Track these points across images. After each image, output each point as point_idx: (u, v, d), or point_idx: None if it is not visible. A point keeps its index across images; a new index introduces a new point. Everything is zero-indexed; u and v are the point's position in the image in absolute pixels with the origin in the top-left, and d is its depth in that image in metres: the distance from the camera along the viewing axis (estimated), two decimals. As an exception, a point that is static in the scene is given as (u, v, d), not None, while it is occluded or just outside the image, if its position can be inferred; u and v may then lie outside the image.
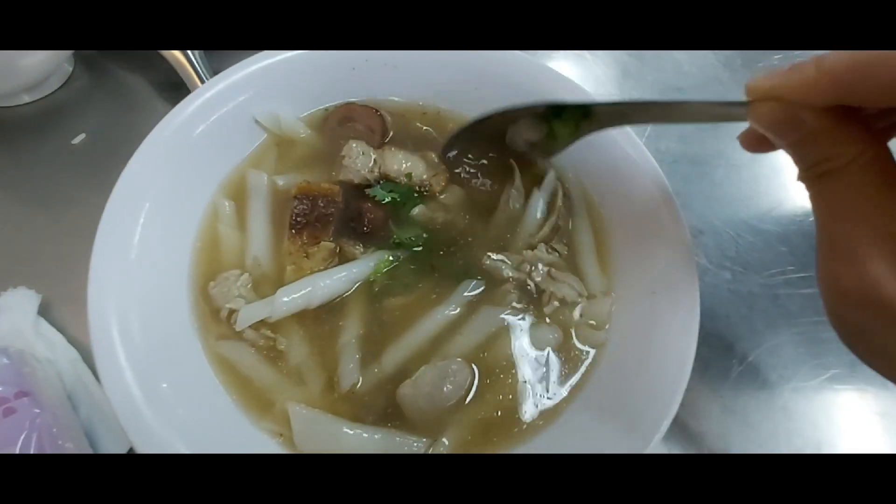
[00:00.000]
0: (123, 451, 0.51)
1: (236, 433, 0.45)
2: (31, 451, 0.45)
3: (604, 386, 0.49)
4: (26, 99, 0.75)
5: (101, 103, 0.78)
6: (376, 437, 0.45)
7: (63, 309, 0.60)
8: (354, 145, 0.56)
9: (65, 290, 0.61)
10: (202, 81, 0.68)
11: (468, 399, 0.48)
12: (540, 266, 0.53)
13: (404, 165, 0.56)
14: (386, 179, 0.56)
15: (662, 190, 0.53)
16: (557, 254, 0.54)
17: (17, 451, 0.44)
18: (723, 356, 0.64)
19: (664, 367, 0.46)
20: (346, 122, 0.59)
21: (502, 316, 0.51)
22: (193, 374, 0.46)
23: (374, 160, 0.56)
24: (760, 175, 0.79)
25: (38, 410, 0.47)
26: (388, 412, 0.46)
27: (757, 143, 0.42)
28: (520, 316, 0.52)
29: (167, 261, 0.49)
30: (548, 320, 0.52)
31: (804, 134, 0.36)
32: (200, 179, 0.54)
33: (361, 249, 0.52)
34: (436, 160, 0.58)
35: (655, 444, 0.43)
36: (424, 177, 0.57)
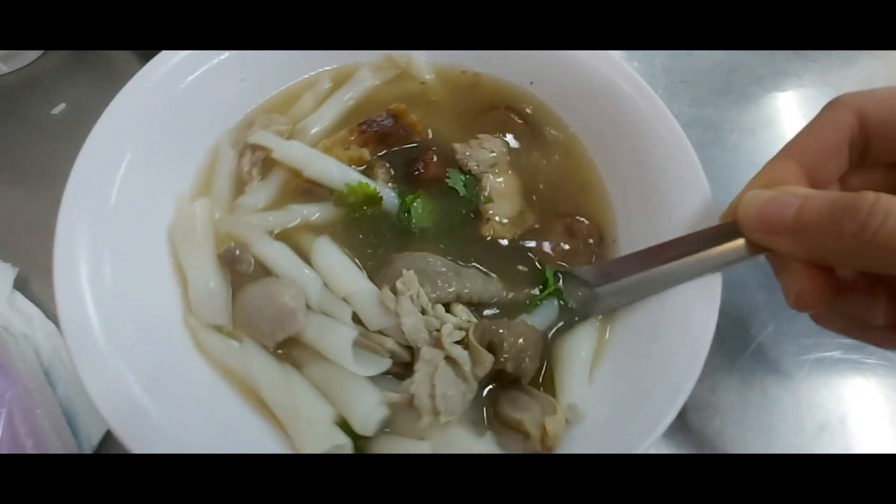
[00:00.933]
0: (102, 430, 0.48)
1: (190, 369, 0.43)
2: (0, 428, 0.41)
3: (621, 355, 0.46)
4: (4, 69, 0.72)
5: (82, 73, 0.74)
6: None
7: (41, 283, 0.57)
8: (492, 142, 0.54)
9: (43, 263, 0.57)
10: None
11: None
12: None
13: (495, 186, 0.53)
14: (468, 173, 0.53)
15: (685, 153, 0.49)
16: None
17: (-15, 427, 0.41)
18: (741, 327, 0.60)
19: (683, 338, 0.43)
20: (498, 123, 0.57)
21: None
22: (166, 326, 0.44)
23: (488, 159, 0.53)
24: (776, 139, 0.75)
25: (8, 385, 0.43)
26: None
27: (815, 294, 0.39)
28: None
29: (151, 209, 0.47)
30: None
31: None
32: (201, 130, 0.52)
33: (389, 181, 0.52)
34: (529, 217, 0.53)
35: (670, 419, 0.39)
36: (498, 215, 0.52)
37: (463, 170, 0.53)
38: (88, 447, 0.47)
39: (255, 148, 0.51)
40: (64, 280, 0.39)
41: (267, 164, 0.52)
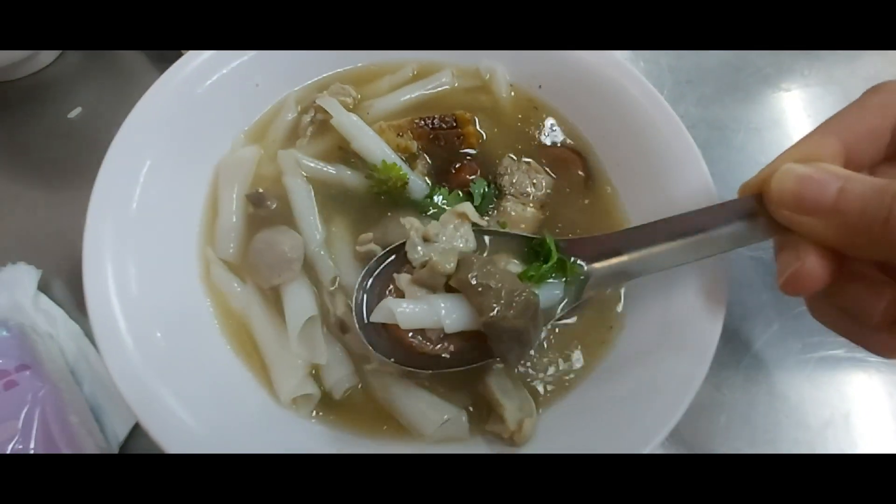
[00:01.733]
0: (129, 425, 0.50)
1: (236, 388, 0.44)
2: (35, 425, 0.43)
3: (627, 355, 0.47)
4: (19, 74, 0.73)
5: (97, 77, 0.75)
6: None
7: (63, 284, 0.59)
8: (540, 176, 0.55)
9: (65, 265, 0.59)
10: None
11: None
12: None
13: (514, 213, 0.53)
14: (496, 188, 0.54)
15: (688, 150, 0.50)
16: None
17: (20, 425, 0.43)
18: (746, 324, 0.61)
19: (690, 336, 0.44)
20: (560, 161, 0.57)
21: None
22: (194, 327, 0.45)
23: (526, 188, 0.54)
24: (782, 138, 0.76)
25: (40, 384, 0.45)
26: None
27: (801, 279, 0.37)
28: None
29: (173, 216, 0.48)
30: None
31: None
32: (213, 133, 0.53)
33: (424, 173, 0.54)
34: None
35: (677, 418, 0.41)
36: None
37: (494, 182, 0.54)
38: (115, 444, 0.49)
39: (318, 109, 0.55)
40: (93, 284, 0.40)
41: (323, 126, 0.55)
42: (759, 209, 0.39)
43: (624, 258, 0.44)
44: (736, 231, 0.41)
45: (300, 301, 0.46)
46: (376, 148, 0.53)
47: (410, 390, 0.45)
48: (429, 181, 0.54)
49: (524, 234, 0.49)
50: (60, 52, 0.75)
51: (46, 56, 0.74)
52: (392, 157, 0.53)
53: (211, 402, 0.41)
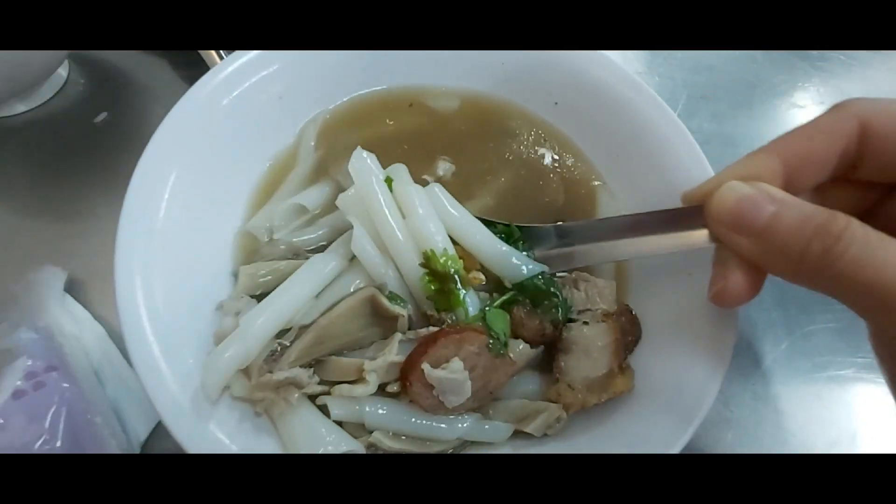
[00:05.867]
0: (150, 426, 0.51)
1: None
2: (61, 425, 0.45)
3: (641, 371, 0.48)
4: (21, 108, 0.72)
5: (120, 83, 0.77)
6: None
7: (89, 286, 0.60)
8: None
9: (91, 268, 0.61)
10: (221, 58, 0.67)
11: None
12: None
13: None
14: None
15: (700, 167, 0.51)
16: None
17: (47, 425, 0.45)
18: (755, 342, 0.62)
19: (703, 351, 0.45)
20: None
21: None
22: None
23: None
24: (796, 157, 0.76)
25: (66, 385, 0.47)
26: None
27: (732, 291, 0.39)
28: None
29: (201, 233, 0.49)
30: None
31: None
32: (240, 147, 0.54)
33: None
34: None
35: (693, 430, 0.41)
36: None
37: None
38: (137, 443, 0.51)
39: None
40: (124, 294, 0.42)
41: None
42: (701, 221, 0.42)
43: (572, 248, 0.48)
44: (678, 237, 0.43)
45: None
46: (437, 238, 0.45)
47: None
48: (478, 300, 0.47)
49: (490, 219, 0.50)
50: (78, 64, 0.76)
51: (47, 90, 0.73)
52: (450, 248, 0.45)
53: (231, 408, 0.43)
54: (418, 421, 0.43)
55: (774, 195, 0.37)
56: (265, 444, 0.42)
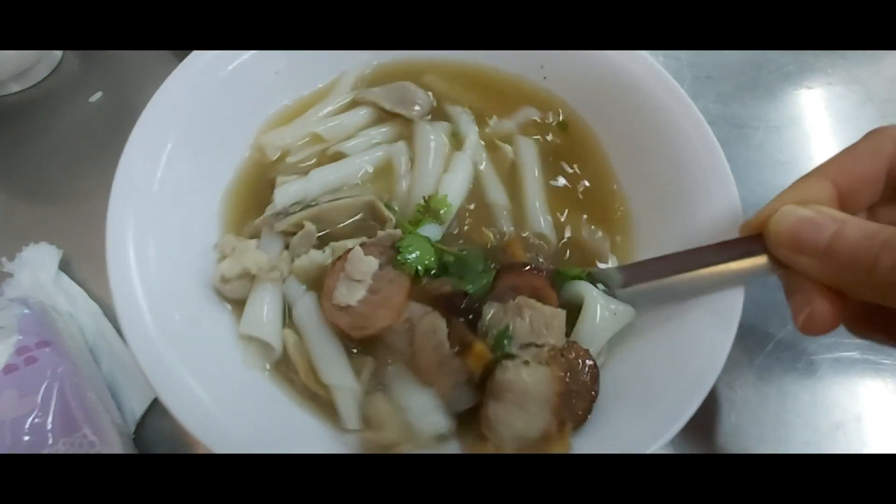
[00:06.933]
0: (145, 404, 0.51)
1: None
2: (53, 400, 0.44)
3: (640, 352, 0.47)
4: (15, 88, 0.71)
5: (115, 62, 0.76)
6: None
7: (83, 265, 0.60)
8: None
9: (85, 246, 0.60)
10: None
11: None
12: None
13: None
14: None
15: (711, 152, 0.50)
16: None
17: (39, 400, 0.44)
18: (760, 324, 0.61)
19: (704, 335, 0.44)
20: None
21: None
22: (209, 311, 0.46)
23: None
24: (801, 137, 0.74)
25: (59, 361, 0.46)
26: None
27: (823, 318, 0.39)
28: None
29: (195, 197, 0.49)
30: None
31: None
32: (234, 121, 0.53)
33: None
34: None
35: (688, 415, 0.41)
36: None
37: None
38: (132, 421, 0.50)
39: None
40: (116, 265, 0.41)
41: None
42: (761, 248, 0.42)
43: (645, 285, 0.47)
44: (742, 268, 0.43)
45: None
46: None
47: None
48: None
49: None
50: (57, 63, 0.74)
51: (41, 69, 0.72)
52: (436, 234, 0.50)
53: (224, 380, 0.42)
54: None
55: (834, 215, 0.38)
56: (263, 419, 0.42)
